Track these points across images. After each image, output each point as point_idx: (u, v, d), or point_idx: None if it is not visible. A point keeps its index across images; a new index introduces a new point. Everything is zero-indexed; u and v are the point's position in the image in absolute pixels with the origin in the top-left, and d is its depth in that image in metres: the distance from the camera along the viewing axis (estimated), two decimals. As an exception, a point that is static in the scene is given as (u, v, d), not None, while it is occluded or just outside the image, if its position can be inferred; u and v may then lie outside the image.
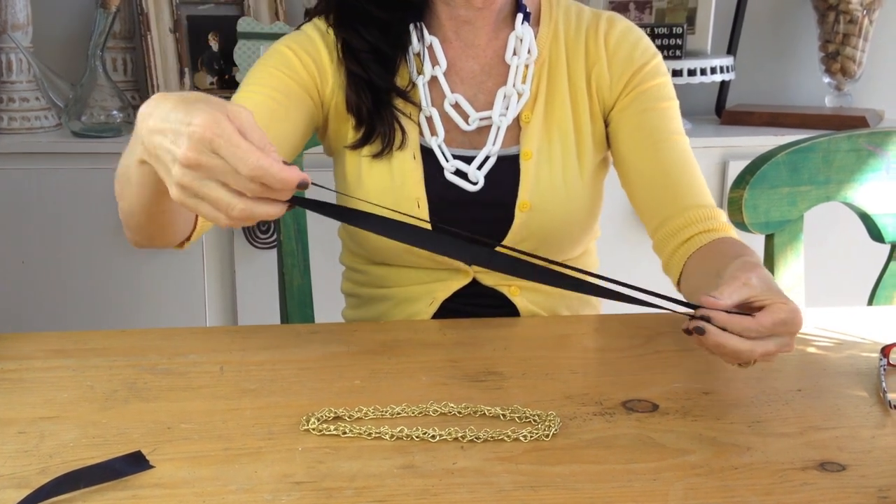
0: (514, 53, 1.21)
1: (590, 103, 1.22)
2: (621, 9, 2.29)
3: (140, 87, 2.22)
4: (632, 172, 1.21)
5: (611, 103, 1.22)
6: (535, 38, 1.22)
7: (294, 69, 1.19)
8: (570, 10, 1.25)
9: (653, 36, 2.14)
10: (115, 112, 2.06)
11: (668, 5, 2.30)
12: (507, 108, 1.20)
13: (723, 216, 1.16)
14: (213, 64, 2.16)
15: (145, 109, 0.84)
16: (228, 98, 2.13)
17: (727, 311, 0.86)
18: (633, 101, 1.21)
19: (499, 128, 1.19)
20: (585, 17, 1.24)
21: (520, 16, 1.20)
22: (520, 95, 1.20)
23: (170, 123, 0.80)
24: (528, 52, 1.21)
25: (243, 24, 2.06)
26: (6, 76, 2.10)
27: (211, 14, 2.16)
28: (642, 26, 2.13)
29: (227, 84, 2.16)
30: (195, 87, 2.14)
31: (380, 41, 1.19)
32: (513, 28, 1.21)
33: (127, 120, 2.08)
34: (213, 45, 2.16)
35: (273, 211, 0.80)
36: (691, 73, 2.14)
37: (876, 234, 1.39)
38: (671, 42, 2.14)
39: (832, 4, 2.23)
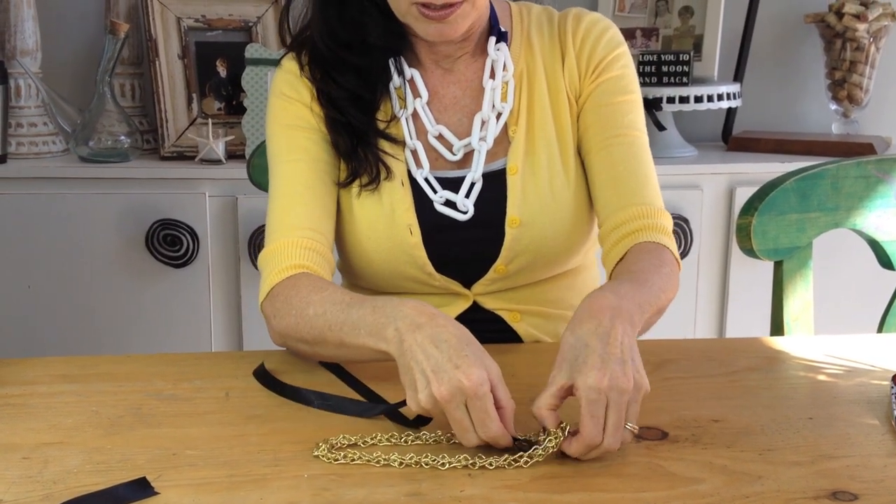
0: (491, 76, 1.20)
1: (570, 109, 1.22)
2: (628, 36, 2.29)
3: (148, 113, 2.23)
4: (588, 167, 1.21)
5: (578, 95, 1.22)
6: (509, 52, 1.21)
7: (302, 117, 1.19)
8: (542, 17, 1.25)
9: (660, 63, 2.15)
10: (122, 137, 2.06)
11: (675, 32, 2.30)
12: (486, 132, 1.19)
13: (660, 216, 1.15)
14: (221, 90, 2.17)
15: (416, 317, 0.91)
16: (237, 124, 2.13)
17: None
18: (592, 93, 1.21)
19: (480, 152, 1.19)
20: (555, 20, 1.24)
21: (492, 39, 1.20)
22: (499, 115, 1.20)
23: (441, 352, 0.87)
24: (504, 68, 1.20)
25: (251, 51, 2.07)
26: (15, 101, 2.11)
27: (219, 40, 2.17)
28: (649, 54, 2.16)
29: (234, 110, 2.16)
30: (203, 113, 2.14)
31: (357, 87, 1.19)
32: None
33: (134, 145, 2.08)
34: (221, 71, 2.17)
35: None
36: (698, 99, 2.14)
37: (885, 261, 1.38)
38: (678, 69, 2.14)
39: (839, 32, 2.24)
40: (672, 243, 1.14)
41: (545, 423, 0.86)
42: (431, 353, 0.86)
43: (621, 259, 1.13)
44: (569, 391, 0.86)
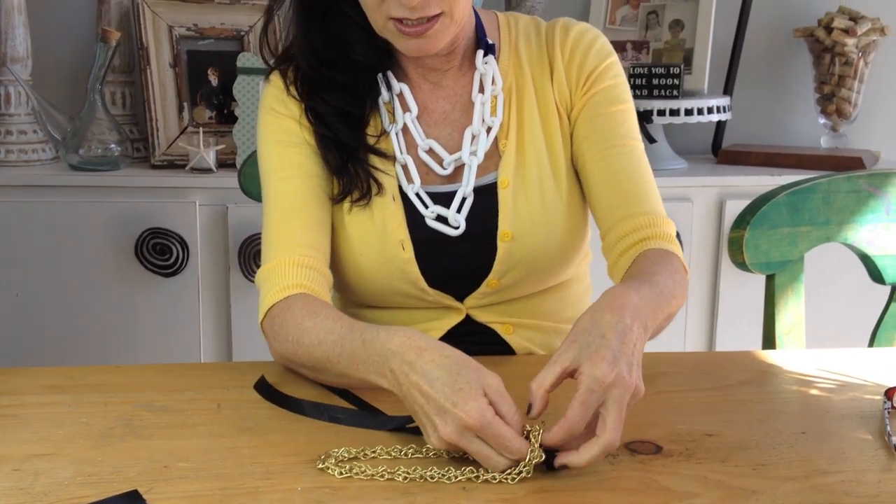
0: (480, 91, 1.20)
1: (560, 122, 1.21)
2: (618, 48, 2.29)
3: (139, 121, 2.22)
4: (585, 178, 1.20)
5: (570, 108, 1.21)
6: (497, 65, 1.21)
7: (293, 132, 1.19)
8: (529, 28, 1.24)
9: (650, 76, 2.15)
10: (112, 145, 2.05)
11: (666, 46, 2.31)
12: (476, 146, 1.19)
13: (665, 224, 1.15)
14: (212, 98, 2.17)
15: (405, 354, 0.89)
16: (228, 133, 2.12)
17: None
18: (585, 104, 1.20)
19: (471, 167, 1.18)
20: (543, 31, 1.24)
21: (480, 52, 1.20)
22: (489, 130, 1.19)
23: (436, 391, 0.85)
24: (493, 82, 1.20)
25: (243, 60, 2.07)
26: (4, 109, 2.10)
27: (210, 49, 2.17)
28: (640, 67, 2.17)
29: (225, 119, 2.16)
30: (194, 122, 2.14)
31: (345, 103, 1.18)
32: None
33: (125, 153, 2.07)
34: (213, 79, 2.16)
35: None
36: (688, 112, 2.14)
37: (876, 275, 1.38)
38: (668, 82, 2.15)
39: (828, 46, 2.25)
40: (679, 250, 1.14)
41: (535, 402, 0.86)
42: (429, 394, 0.85)
43: (629, 268, 1.12)
44: (569, 374, 0.86)
